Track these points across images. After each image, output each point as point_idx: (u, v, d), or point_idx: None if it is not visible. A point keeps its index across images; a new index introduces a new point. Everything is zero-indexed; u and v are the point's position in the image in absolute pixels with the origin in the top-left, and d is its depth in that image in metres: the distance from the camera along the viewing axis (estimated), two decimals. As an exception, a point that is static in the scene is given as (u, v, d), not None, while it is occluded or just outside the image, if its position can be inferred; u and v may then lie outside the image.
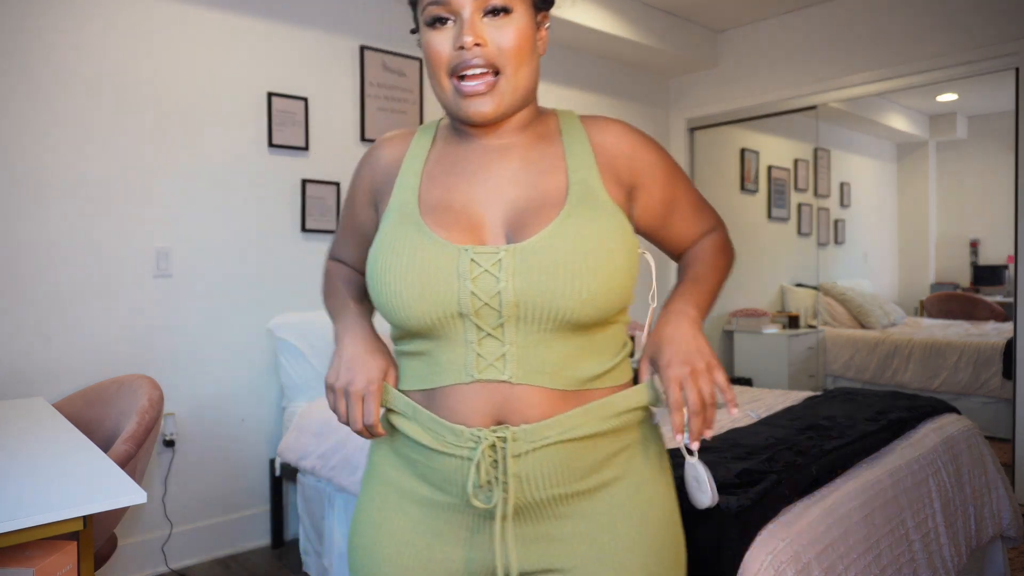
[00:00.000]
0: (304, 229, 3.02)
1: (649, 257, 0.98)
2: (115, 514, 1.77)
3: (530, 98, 0.89)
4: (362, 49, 3.18)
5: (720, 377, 0.80)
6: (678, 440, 0.79)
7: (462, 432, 0.81)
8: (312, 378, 2.81)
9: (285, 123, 2.95)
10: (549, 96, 4.04)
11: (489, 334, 0.81)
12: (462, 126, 0.91)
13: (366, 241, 0.97)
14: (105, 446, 2.08)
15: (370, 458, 0.95)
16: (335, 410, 0.87)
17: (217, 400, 2.81)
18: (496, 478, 0.81)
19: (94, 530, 1.68)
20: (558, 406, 0.82)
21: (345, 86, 3.16)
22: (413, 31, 0.90)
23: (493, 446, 0.80)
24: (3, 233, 2.35)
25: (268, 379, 2.95)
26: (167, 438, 2.67)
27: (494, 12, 0.82)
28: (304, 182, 3.01)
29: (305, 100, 3.00)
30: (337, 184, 3.11)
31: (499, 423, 0.82)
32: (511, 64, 0.83)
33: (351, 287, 1.03)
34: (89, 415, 2.22)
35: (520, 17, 0.83)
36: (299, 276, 3.02)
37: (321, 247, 3.09)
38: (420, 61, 3.36)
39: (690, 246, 1.01)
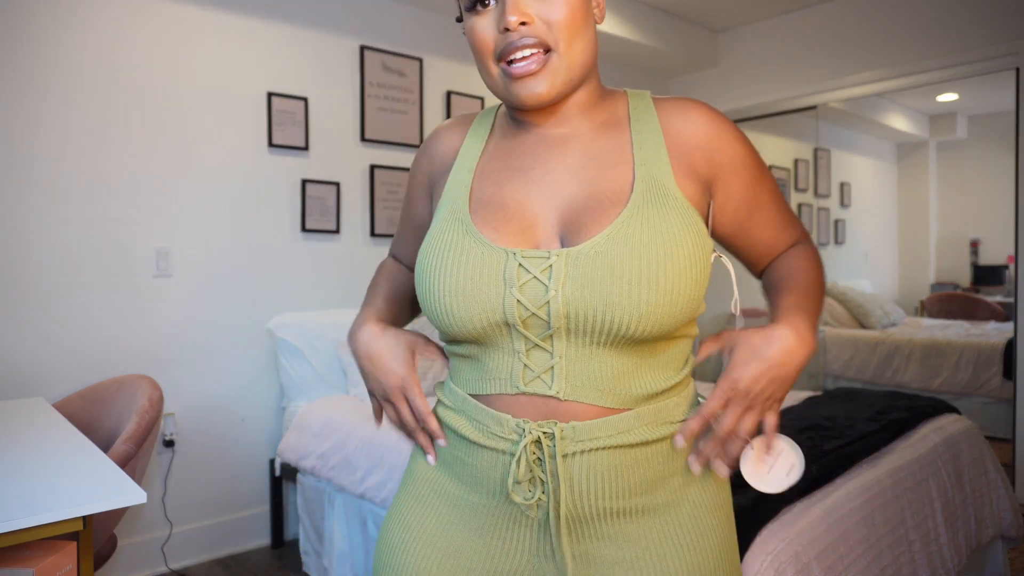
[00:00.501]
0: (304, 229, 3.02)
1: (727, 260, 0.87)
2: (115, 514, 1.77)
3: (588, 74, 0.79)
4: (362, 49, 3.18)
5: (772, 419, 0.73)
6: (678, 444, 0.73)
7: (507, 421, 0.75)
8: (312, 378, 2.81)
9: (285, 123, 2.95)
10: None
11: (537, 345, 0.74)
12: (518, 114, 0.83)
13: (423, 233, 0.91)
14: (105, 446, 2.08)
15: (412, 455, 0.89)
16: (395, 422, 0.85)
17: (217, 400, 2.81)
18: (539, 478, 0.74)
19: (94, 530, 1.68)
20: None
21: (345, 86, 3.16)
22: (458, 19, 0.82)
23: (538, 442, 0.73)
24: (3, 233, 2.35)
25: (268, 379, 2.95)
26: (167, 438, 2.67)
27: None
28: (304, 182, 3.01)
29: (305, 100, 3.00)
30: (337, 184, 3.11)
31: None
32: (563, 39, 0.74)
33: (390, 281, 0.96)
34: (89, 415, 2.22)
35: None
36: (299, 276, 3.02)
37: (321, 247, 3.09)
38: (420, 61, 3.36)
39: (772, 260, 0.89)
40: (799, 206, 5.28)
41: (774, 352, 0.72)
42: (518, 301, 0.72)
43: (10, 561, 1.17)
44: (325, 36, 3.10)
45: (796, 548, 1.48)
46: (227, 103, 2.82)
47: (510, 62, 0.75)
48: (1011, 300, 3.83)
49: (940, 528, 1.96)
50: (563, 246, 0.75)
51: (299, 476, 2.68)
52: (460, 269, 0.74)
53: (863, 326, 5.31)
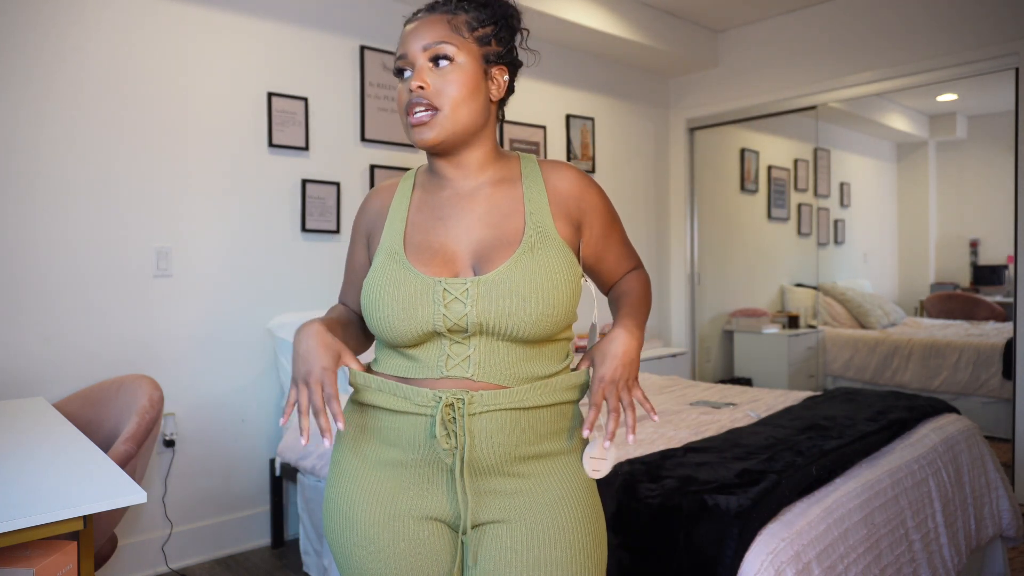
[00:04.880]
0: (304, 229, 3.02)
1: (590, 283, 1.17)
2: (115, 514, 1.78)
3: (475, 132, 1.06)
4: (362, 49, 3.18)
5: (638, 392, 1.02)
6: (585, 435, 0.99)
7: (426, 393, 0.99)
8: (312, 378, 2.80)
9: (285, 123, 2.95)
10: (550, 95, 4.04)
11: (458, 342, 1.00)
12: (436, 163, 1.09)
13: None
14: (105, 446, 2.08)
15: (336, 441, 1.11)
16: (297, 401, 0.96)
17: (217, 400, 2.81)
18: (454, 432, 0.98)
19: (94, 530, 1.68)
20: None
21: (345, 86, 3.16)
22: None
23: (452, 405, 0.97)
24: (4, 233, 2.35)
25: (268, 379, 2.95)
26: (167, 438, 2.67)
27: (437, 60, 1.01)
28: (304, 182, 3.01)
29: (305, 100, 3.00)
30: (337, 184, 3.11)
31: None
32: (448, 103, 1.01)
33: (343, 313, 1.18)
34: (89, 415, 2.22)
35: (463, 66, 1.02)
36: (299, 276, 3.02)
37: (321, 247, 3.09)
38: (420, 61, 3.36)
39: (618, 280, 1.20)
40: (799, 206, 5.28)
41: (617, 349, 1.02)
42: (444, 315, 0.98)
43: (10, 561, 1.17)
44: (325, 36, 3.10)
45: (796, 548, 1.48)
46: (227, 103, 2.82)
47: (412, 114, 1.02)
48: (1011, 300, 3.83)
49: (940, 528, 1.96)
50: (475, 274, 1.02)
51: (299, 476, 2.68)
52: (400, 296, 1.00)
53: (863, 326, 5.31)
